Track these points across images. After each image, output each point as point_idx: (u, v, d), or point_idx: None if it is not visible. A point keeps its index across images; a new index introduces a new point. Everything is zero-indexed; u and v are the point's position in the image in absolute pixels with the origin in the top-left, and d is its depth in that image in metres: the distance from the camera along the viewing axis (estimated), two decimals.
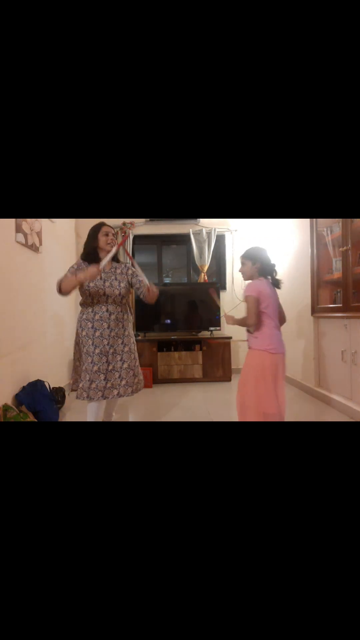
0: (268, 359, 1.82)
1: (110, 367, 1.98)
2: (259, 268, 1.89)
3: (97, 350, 1.95)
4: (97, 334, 1.96)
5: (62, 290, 1.89)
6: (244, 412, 1.92)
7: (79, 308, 2.04)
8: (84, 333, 1.99)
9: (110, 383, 1.97)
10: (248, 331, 1.90)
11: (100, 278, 1.98)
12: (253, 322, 1.82)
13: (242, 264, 1.94)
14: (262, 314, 1.84)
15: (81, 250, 4.25)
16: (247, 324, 1.84)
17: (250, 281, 1.92)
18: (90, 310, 1.98)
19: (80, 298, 2.03)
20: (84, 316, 2.01)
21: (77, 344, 2.06)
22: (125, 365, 2.02)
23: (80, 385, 1.95)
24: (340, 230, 2.52)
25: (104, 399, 1.96)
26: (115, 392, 1.99)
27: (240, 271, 1.99)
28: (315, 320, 3.04)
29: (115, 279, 2.03)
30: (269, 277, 1.91)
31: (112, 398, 2.00)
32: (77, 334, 2.04)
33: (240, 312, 2.08)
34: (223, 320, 4.08)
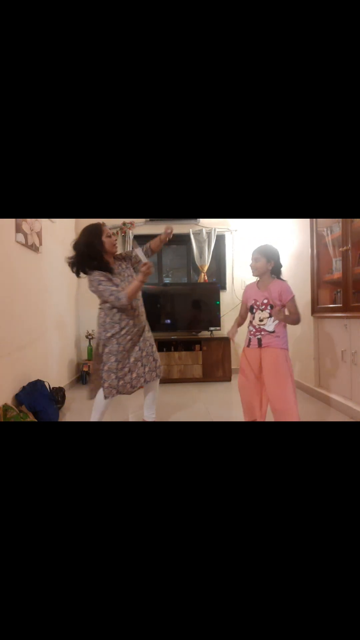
0: (288, 357, 1.86)
1: (132, 360, 2.04)
2: (272, 267, 1.91)
3: (120, 348, 1.98)
4: (123, 332, 2.00)
5: (129, 300, 1.89)
6: (256, 411, 1.94)
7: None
8: (108, 335, 1.97)
9: (135, 374, 2.05)
10: (266, 330, 1.87)
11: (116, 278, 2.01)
12: (300, 318, 1.86)
13: (256, 259, 1.93)
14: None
15: None
16: (298, 322, 1.87)
17: (278, 280, 1.93)
18: (115, 311, 1.97)
19: (100, 300, 2.00)
20: (109, 319, 1.98)
21: (99, 347, 2.03)
22: (144, 354, 2.08)
23: (106, 384, 1.97)
24: (340, 230, 2.52)
25: (134, 389, 2.05)
26: (142, 380, 2.07)
27: (252, 266, 1.97)
28: (315, 320, 3.03)
29: (129, 275, 2.05)
30: (274, 276, 1.95)
31: (139, 386, 2.08)
32: (100, 337, 2.01)
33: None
34: (223, 320, 4.08)
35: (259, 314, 1.91)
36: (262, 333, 1.88)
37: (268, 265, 1.90)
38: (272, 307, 1.87)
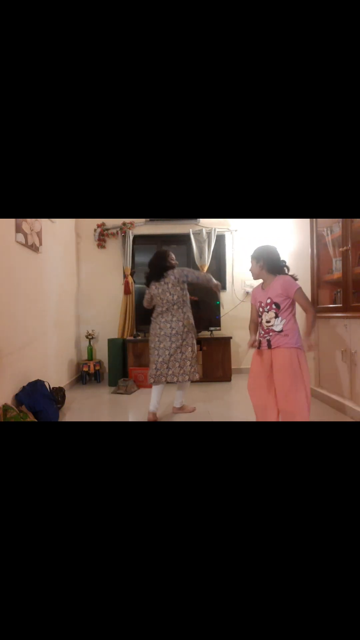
0: (302, 356, 1.80)
1: None
2: (264, 265, 1.87)
3: None
4: None
5: None
6: (269, 413, 1.88)
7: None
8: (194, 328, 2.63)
9: None
10: (274, 330, 1.82)
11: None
12: (314, 312, 1.82)
13: (251, 264, 1.94)
14: (292, 311, 1.82)
15: (81, 250, 4.22)
16: (314, 315, 1.82)
17: (281, 277, 1.85)
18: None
19: (189, 305, 2.59)
20: (191, 313, 2.61)
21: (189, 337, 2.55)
22: None
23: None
24: (340, 230, 2.51)
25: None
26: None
27: (250, 271, 1.96)
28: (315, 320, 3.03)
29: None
30: (274, 274, 1.87)
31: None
32: (189, 329, 2.54)
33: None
34: (224, 320, 4.08)
35: (265, 316, 1.87)
36: (271, 334, 1.84)
37: (259, 266, 1.88)
38: (276, 305, 1.82)
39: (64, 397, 2.93)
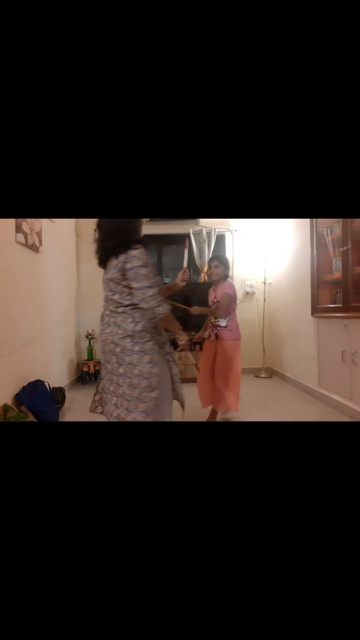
0: (238, 346, 2.29)
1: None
2: (226, 271, 2.36)
3: None
4: None
5: None
6: (209, 397, 2.32)
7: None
8: None
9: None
10: (220, 326, 2.26)
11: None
12: (224, 314, 2.25)
13: (216, 266, 2.34)
14: (233, 309, 2.30)
15: (81, 250, 4.23)
16: (222, 315, 2.25)
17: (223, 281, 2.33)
18: None
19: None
20: None
21: None
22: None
23: None
24: (340, 230, 2.52)
25: None
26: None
27: (212, 273, 2.34)
28: (315, 320, 3.03)
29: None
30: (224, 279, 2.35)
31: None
32: None
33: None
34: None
35: None
36: (218, 329, 2.29)
37: (225, 271, 2.34)
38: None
39: (64, 397, 2.93)
